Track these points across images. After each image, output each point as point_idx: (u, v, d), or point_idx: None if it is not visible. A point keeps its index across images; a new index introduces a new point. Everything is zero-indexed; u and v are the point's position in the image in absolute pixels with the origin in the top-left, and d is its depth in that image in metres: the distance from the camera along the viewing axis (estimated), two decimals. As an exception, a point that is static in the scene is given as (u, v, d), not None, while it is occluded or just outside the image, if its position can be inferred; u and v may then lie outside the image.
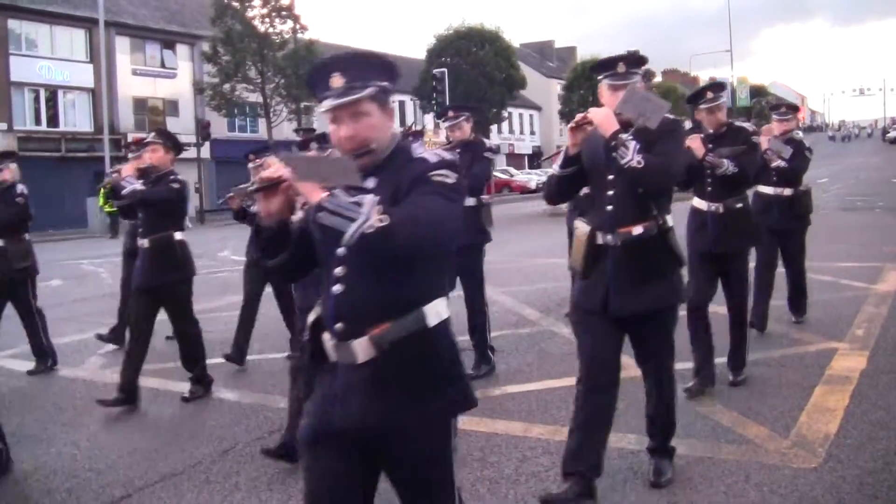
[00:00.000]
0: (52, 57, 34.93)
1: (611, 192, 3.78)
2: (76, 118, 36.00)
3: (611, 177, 3.76)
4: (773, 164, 6.97)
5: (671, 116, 3.76)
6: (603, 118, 3.65)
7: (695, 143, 5.42)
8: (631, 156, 3.58)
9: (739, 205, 5.65)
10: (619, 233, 3.76)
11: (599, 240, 3.80)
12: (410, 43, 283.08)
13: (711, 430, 4.89)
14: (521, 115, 63.90)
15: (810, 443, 4.60)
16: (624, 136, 3.61)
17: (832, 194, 26.42)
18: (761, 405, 5.31)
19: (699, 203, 5.74)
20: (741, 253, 5.72)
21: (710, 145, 5.52)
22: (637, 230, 3.74)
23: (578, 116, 3.73)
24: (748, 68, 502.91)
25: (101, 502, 4.37)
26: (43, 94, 34.82)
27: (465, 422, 5.24)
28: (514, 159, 61.76)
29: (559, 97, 53.93)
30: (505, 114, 49.42)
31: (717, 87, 5.83)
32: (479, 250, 6.44)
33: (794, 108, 7.73)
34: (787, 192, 7.20)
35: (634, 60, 3.95)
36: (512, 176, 51.49)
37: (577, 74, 50.12)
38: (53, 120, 35.16)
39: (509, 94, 46.56)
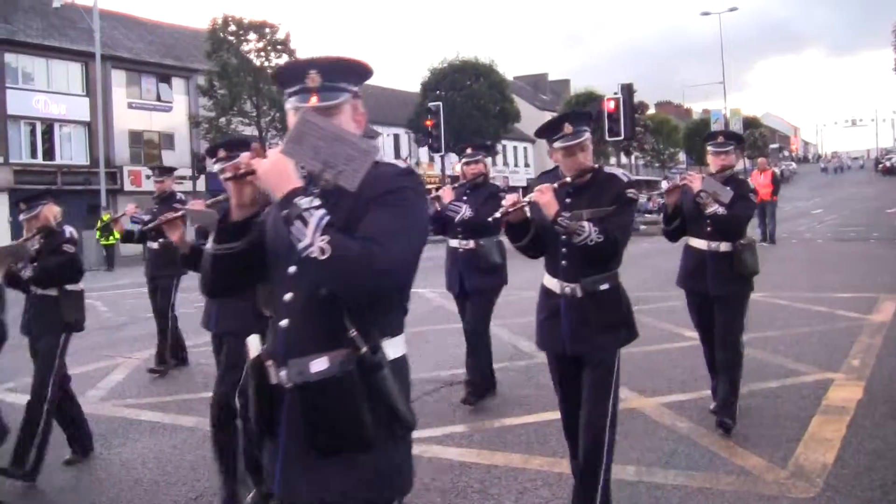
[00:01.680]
0: (49, 90, 34.99)
1: (288, 297, 2.20)
2: (72, 151, 35.99)
3: (292, 269, 2.18)
4: (709, 211, 5.43)
5: (401, 165, 2.24)
6: (270, 168, 2.07)
7: (543, 198, 3.82)
8: (310, 237, 1.98)
9: (605, 286, 3.88)
10: (294, 366, 2.13)
11: (272, 376, 2.20)
12: (405, 76, 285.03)
13: (709, 461, 4.91)
14: (515, 148, 64.09)
15: (808, 473, 4.62)
16: (303, 200, 2.01)
17: (826, 225, 26.62)
18: (758, 436, 5.33)
19: (550, 282, 4.04)
20: (605, 356, 3.86)
21: (568, 199, 3.91)
22: (317, 365, 2.09)
23: (242, 160, 2.11)
24: (743, 100, 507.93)
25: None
26: (39, 128, 34.82)
27: (464, 454, 5.26)
28: (509, 192, 61.87)
29: (553, 129, 54.25)
30: (499, 147, 49.66)
31: (578, 117, 3.99)
32: None
33: (735, 138, 6.01)
34: (724, 247, 5.53)
35: (343, 70, 2.27)
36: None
37: (571, 107, 50.56)
38: (49, 153, 35.13)
39: (503, 126, 46.82)
